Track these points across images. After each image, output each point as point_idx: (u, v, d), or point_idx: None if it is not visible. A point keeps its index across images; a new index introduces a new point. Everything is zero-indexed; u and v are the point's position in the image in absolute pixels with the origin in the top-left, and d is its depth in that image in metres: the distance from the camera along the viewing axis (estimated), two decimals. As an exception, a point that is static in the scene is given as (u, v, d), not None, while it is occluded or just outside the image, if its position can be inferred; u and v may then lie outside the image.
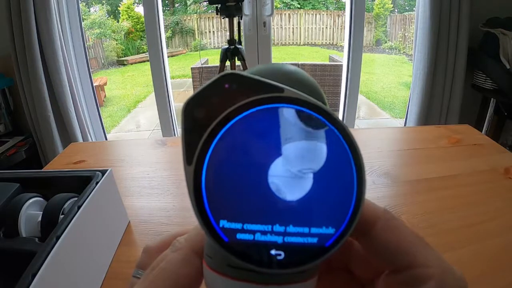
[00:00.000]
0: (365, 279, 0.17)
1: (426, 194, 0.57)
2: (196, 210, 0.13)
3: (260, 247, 0.13)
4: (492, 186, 0.58)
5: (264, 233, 0.13)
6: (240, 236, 0.13)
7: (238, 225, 0.13)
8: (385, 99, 3.85)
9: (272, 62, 0.17)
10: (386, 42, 5.73)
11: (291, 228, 0.13)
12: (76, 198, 0.41)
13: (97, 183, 0.43)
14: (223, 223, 0.13)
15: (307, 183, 0.13)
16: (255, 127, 0.13)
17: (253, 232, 0.13)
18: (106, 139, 1.96)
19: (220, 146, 0.13)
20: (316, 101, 0.13)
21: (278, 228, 0.13)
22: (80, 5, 1.68)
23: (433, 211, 0.52)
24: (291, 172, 0.13)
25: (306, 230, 0.13)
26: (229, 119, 0.13)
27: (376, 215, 0.14)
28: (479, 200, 0.55)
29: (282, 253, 0.13)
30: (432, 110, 1.69)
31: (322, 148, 0.13)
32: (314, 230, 0.13)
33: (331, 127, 0.13)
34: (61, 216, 0.38)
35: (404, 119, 1.86)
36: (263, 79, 0.14)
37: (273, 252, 0.13)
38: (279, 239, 0.13)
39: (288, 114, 0.13)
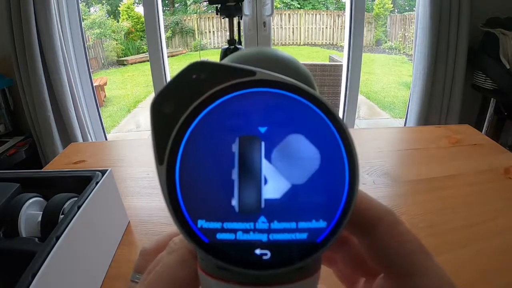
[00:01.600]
0: (355, 277, 0.16)
1: (426, 194, 0.57)
2: (172, 211, 0.12)
3: (243, 247, 0.12)
4: (492, 186, 0.58)
5: (246, 231, 0.12)
6: (220, 236, 0.12)
7: (217, 224, 0.12)
8: (385, 99, 3.85)
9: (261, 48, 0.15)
10: (386, 42, 5.73)
11: (276, 224, 0.12)
12: (76, 198, 0.41)
13: (97, 183, 0.43)
14: (201, 223, 0.12)
15: (292, 173, 0.12)
16: (228, 117, 0.12)
17: (234, 231, 0.12)
18: (106, 139, 1.95)
19: (192, 142, 0.12)
20: (294, 81, 0.12)
21: (261, 225, 0.12)
22: (80, 5, 1.68)
23: (433, 211, 0.52)
24: (273, 163, 0.12)
25: (293, 225, 0.12)
26: (198, 112, 0.12)
27: (379, 216, 0.14)
28: (479, 200, 0.55)
29: (268, 252, 0.12)
30: (432, 110, 1.68)
31: (306, 133, 0.12)
32: (302, 224, 0.12)
33: (314, 108, 0.12)
34: (61, 216, 0.38)
35: (404, 119, 1.86)
36: (232, 64, 0.12)
37: (257, 251, 0.12)
38: (263, 237, 0.12)
39: (264, 98, 0.12)
